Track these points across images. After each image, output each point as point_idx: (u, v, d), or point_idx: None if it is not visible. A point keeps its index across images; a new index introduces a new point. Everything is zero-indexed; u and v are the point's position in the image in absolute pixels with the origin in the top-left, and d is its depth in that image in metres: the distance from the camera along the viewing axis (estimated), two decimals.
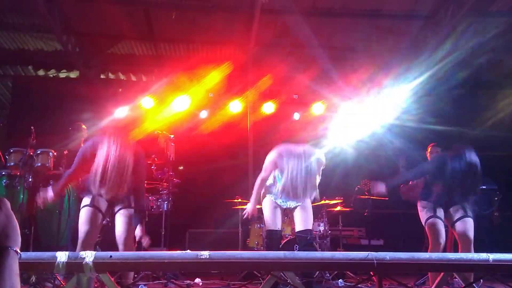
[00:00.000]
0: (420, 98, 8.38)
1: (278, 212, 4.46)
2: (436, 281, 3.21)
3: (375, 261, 2.62)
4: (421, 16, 7.05)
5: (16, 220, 1.14)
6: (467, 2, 6.31)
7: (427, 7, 6.82)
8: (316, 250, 5.43)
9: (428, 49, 7.44)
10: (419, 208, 4.50)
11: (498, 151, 8.29)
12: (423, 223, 4.41)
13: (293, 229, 4.78)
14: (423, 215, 4.41)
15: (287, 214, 4.77)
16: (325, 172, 4.68)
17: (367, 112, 8.56)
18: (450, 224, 4.42)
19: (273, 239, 4.42)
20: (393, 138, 8.82)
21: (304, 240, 4.32)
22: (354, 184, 6.97)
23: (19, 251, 1.10)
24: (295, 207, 4.47)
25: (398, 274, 4.42)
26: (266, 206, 4.50)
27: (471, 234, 4.24)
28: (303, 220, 4.38)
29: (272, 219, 4.42)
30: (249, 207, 4.50)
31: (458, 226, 4.29)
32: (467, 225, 4.27)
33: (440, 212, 4.34)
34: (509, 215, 7.24)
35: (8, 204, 1.13)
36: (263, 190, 4.55)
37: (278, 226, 4.43)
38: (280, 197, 4.46)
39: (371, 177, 7.36)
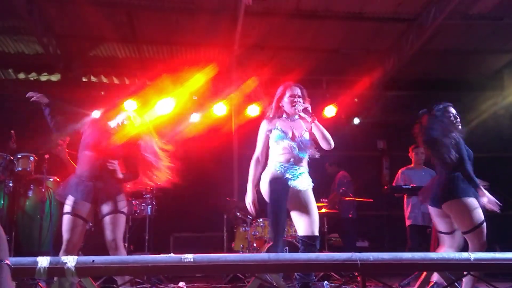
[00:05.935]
0: (404, 99, 8.47)
1: None
2: (419, 281, 3.22)
3: (358, 262, 2.62)
4: (404, 18, 7.11)
5: (2, 229, 1.05)
6: (448, 5, 6.39)
7: (409, 10, 6.87)
8: None
9: (411, 51, 7.51)
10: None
11: (481, 153, 8.36)
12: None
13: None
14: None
15: None
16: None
17: (352, 114, 8.64)
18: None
19: None
20: (377, 139, 8.90)
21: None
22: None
23: (10, 264, 1.00)
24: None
25: (382, 274, 4.42)
26: None
27: None
28: None
29: None
30: None
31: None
32: None
33: None
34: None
35: None
36: None
37: None
38: None
39: (354, 179, 7.43)
